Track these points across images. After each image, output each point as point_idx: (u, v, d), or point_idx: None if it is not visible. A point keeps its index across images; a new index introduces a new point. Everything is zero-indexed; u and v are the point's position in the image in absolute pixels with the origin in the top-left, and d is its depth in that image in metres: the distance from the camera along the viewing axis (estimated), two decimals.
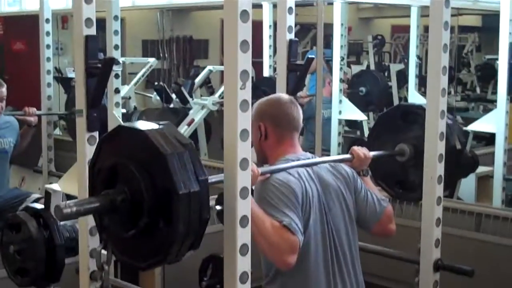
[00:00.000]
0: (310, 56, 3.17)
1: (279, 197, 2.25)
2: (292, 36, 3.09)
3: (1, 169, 4.36)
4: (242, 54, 1.88)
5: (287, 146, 2.47)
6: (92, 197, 1.91)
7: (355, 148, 2.66)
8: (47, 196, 2.47)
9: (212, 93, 6.96)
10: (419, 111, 2.78)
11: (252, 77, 9.06)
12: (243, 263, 1.92)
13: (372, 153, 2.70)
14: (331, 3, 4.84)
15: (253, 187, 2.25)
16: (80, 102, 2.47)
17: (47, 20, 4.43)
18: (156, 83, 7.58)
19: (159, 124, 1.90)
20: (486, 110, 8.24)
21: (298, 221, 2.24)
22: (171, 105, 6.91)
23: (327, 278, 2.40)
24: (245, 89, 1.89)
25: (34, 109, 4.45)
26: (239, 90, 1.88)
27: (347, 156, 2.65)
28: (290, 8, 3.10)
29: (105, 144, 1.97)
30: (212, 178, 2.00)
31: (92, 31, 2.47)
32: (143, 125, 1.89)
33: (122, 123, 4.22)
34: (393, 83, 8.73)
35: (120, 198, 1.85)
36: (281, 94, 2.69)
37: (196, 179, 1.81)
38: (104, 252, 2.01)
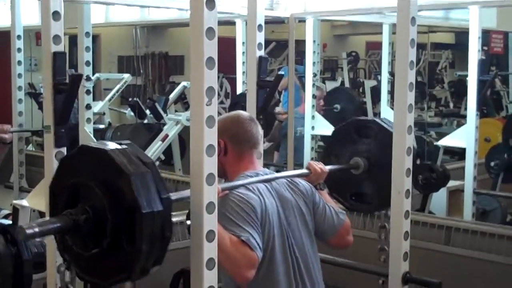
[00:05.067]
0: (280, 73, 3.19)
1: (238, 213, 2.28)
2: (262, 53, 3.11)
3: None
4: (208, 71, 1.89)
5: (246, 163, 2.53)
6: (55, 217, 1.88)
7: (312, 162, 2.76)
8: (15, 211, 2.46)
9: (187, 108, 6.97)
10: (371, 125, 2.92)
11: (228, 93, 9.09)
12: (210, 277, 1.93)
13: (328, 167, 2.79)
14: (303, 20, 4.87)
15: None
16: (48, 118, 2.47)
17: (19, 37, 4.42)
18: (130, 99, 7.57)
19: (122, 144, 1.89)
20: (460, 125, 8.32)
21: (257, 236, 2.28)
22: (145, 121, 6.90)
23: (295, 283, 2.45)
24: (211, 105, 1.91)
25: (9, 126, 4.34)
26: (205, 106, 1.90)
27: (304, 171, 2.73)
28: (260, 25, 3.12)
29: (66, 164, 1.97)
30: (178, 195, 2.03)
31: (60, 48, 2.48)
32: (106, 145, 1.88)
33: (93, 139, 4.24)
34: (368, 99, 8.81)
35: (83, 217, 1.83)
36: (241, 111, 2.72)
37: (159, 198, 1.82)
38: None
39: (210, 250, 1.92)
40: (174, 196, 2.00)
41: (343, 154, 2.94)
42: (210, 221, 1.92)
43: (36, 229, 1.78)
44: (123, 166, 1.80)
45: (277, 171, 2.83)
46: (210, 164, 1.92)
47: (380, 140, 2.84)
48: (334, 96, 7.46)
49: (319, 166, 2.74)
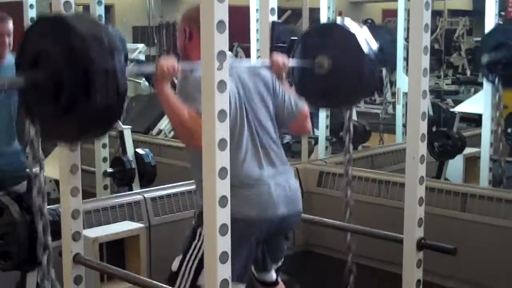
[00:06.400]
0: (293, 38, 3.16)
1: (198, 90, 2.27)
2: (275, 18, 3.08)
3: (7, 117, 3.88)
4: (219, 34, 1.87)
5: None
6: (17, 75, 2.10)
7: (275, 55, 2.87)
8: (29, 180, 2.47)
9: None
10: (334, 27, 3.11)
11: None
12: (223, 243, 1.93)
13: (291, 62, 2.93)
14: None
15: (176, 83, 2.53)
16: None
17: (31, 6, 4.38)
18: None
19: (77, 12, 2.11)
20: (477, 93, 8.27)
21: None
22: None
23: (256, 158, 2.61)
24: (222, 70, 1.89)
25: None
26: (216, 71, 1.88)
27: (267, 62, 2.85)
28: None
29: (28, 35, 2.15)
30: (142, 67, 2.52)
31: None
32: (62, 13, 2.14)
33: None
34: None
35: (43, 76, 2.01)
36: None
37: (112, 56, 1.98)
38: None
39: (223, 216, 1.92)
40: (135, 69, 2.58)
41: (308, 54, 3.04)
42: (223, 187, 1.91)
43: None
44: (78, 28, 1.98)
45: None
46: (222, 130, 1.90)
47: (342, 40, 2.97)
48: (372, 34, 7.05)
49: (281, 58, 2.85)
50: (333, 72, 2.96)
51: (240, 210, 2.47)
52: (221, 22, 1.86)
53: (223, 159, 1.91)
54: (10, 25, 3.79)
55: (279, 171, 2.65)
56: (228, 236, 1.93)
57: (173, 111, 2.39)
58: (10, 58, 3.86)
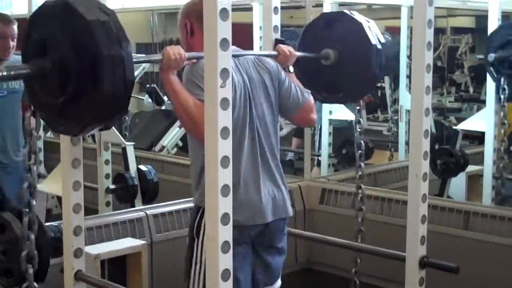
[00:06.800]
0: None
1: (204, 77, 2.29)
2: (278, 35, 3.09)
3: (14, 114, 3.87)
4: (222, 52, 1.88)
5: None
6: (23, 64, 2.08)
7: (281, 45, 2.88)
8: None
9: None
10: (341, 17, 3.06)
11: None
12: (225, 261, 1.92)
13: (298, 53, 2.93)
14: (321, 5, 4.83)
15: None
16: None
17: None
18: (148, 86, 7.56)
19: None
20: (479, 111, 8.26)
21: None
22: (163, 107, 6.90)
23: (253, 163, 2.60)
24: (225, 87, 1.89)
25: None
26: (219, 88, 1.89)
27: (273, 52, 2.86)
28: (276, 7, 3.11)
29: (34, 21, 2.14)
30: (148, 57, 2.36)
31: None
32: None
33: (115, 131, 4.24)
34: (386, 84, 8.75)
35: (50, 65, 2.00)
36: None
37: (120, 43, 1.98)
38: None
39: (226, 205, 1.92)
40: (142, 58, 2.56)
41: (314, 46, 3.05)
42: (225, 204, 1.92)
43: (5, 73, 1.98)
44: (84, 14, 1.96)
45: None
46: (225, 148, 1.90)
47: (349, 31, 2.97)
48: None
49: (287, 49, 2.86)
50: (339, 64, 2.97)
51: None
52: (224, 40, 1.88)
53: (225, 176, 1.92)
54: (15, 28, 3.78)
55: (271, 177, 2.65)
56: (230, 253, 1.93)
57: (178, 100, 2.36)
58: (13, 59, 3.85)
